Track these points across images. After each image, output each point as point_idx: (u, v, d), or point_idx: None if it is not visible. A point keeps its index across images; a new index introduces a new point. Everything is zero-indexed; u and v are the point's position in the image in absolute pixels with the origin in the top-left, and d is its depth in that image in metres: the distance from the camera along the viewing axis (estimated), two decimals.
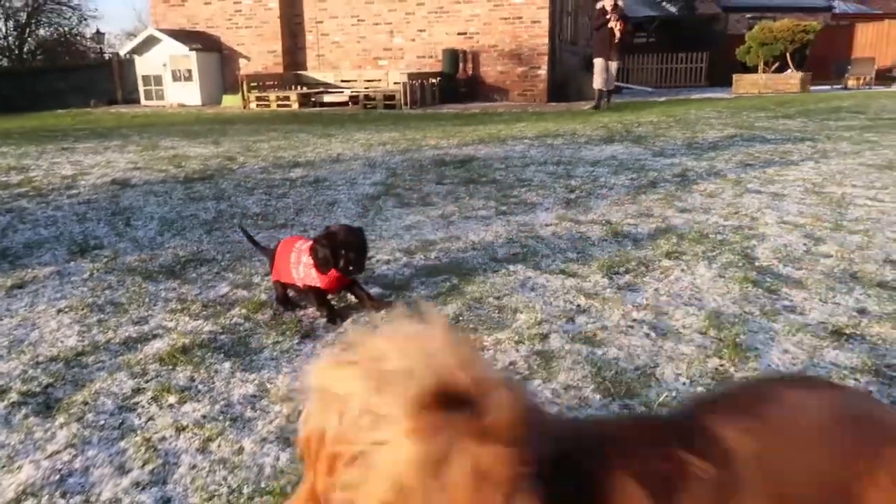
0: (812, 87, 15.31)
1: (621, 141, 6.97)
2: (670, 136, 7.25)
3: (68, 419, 1.76)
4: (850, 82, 16.94)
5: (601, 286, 2.66)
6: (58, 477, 1.53)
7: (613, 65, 11.65)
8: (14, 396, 1.88)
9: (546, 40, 14.49)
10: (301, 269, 2.38)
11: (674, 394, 1.82)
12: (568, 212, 3.91)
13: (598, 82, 11.69)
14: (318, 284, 2.36)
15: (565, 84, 14.87)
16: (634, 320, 2.32)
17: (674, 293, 2.57)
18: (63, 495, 1.46)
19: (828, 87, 16.78)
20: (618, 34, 11.30)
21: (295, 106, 13.88)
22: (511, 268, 2.91)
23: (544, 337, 2.20)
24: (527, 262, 2.99)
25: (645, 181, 4.75)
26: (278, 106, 13.99)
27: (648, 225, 3.57)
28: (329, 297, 2.44)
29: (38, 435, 1.69)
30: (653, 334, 2.21)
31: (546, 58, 14.57)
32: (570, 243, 3.26)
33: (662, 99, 14.45)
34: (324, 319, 2.35)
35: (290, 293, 2.52)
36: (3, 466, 1.57)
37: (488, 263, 2.98)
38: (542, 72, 14.66)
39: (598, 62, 11.52)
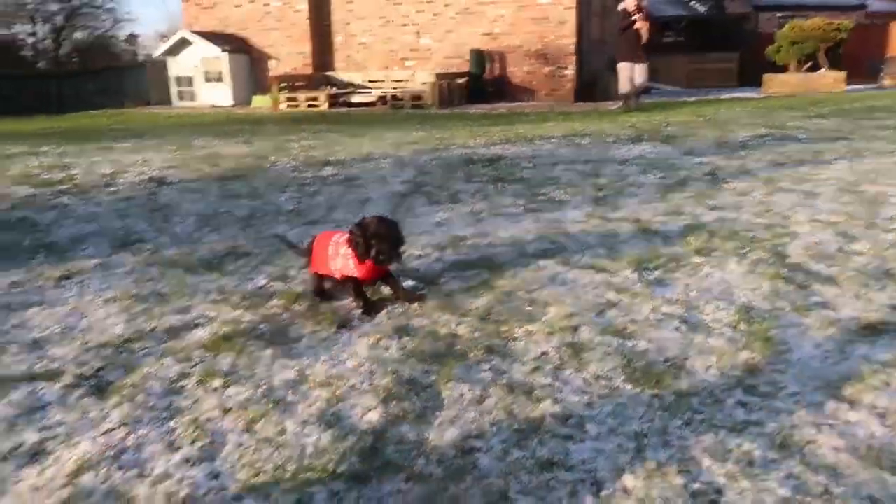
0: (846, 87, 15.02)
1: (650, 140, 6.94)
2: (700, 136, 7.21)
3: (120, 400, 1.85)
4: (886, 81, 16.58)
5: (631, 281, 2.69)
6: (113, 452, 1.61)
7: (642, 66, 11.50)
8: (69, 379, 1.98)
9: (573, 41, 14.45)
10: (339, 260, 2.46)
11: (704, 385, 1.85)
12: (597, 209, 3.93)
13: (623, 86, 11.55)
14: (355, 275, 2.44)
15: (592, 84, 14.81)
16: (664, 314, 2.35)
17: (704, 289, 2.59)
18: (119, 469, 1.55)
19: (862, 86, 16.44)
20: (644, 35, 11.17)
21: (324, 106, 14.05)
22: (541, 263, 2.95)
23: (575, 329, 2.24)
24: (556, 257, 3.02)
25: (674, 180, 4.75)
26: (308, 106, 14.17)
27: (678, 222, 3.58)
28: (364, 288, 2.51)
29: (93, 414, 1.79)
30: (683, 328, 2.23)
31: (573, 58, 14.53)
32: (600, 240, 3.29)
33: (692, 99, 14.30)
34: (359, 311, 2.42)
35: (327, 285, 2.60)
36: (63, 442, 1.66)
37: (518, 259, 3.03)
38: (569, 72, 14.63)
39: (624, 67, 11.39)
